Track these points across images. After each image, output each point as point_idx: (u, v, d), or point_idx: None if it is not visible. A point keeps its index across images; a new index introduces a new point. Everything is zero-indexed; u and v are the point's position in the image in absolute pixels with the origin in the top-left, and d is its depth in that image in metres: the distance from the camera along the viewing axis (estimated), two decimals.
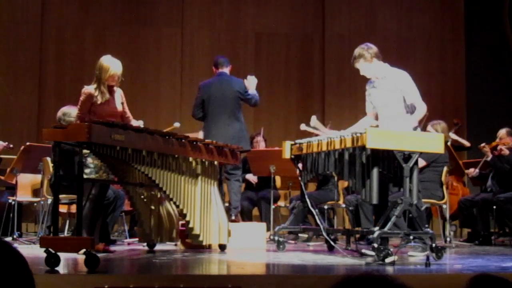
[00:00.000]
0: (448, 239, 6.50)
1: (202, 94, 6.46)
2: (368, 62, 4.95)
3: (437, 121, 6.54)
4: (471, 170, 7.12)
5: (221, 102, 6.36)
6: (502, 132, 6.88)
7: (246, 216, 7.24)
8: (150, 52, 9.39)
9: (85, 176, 4.51)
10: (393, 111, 4.96)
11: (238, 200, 6.50)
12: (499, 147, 6.69)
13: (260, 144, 7.57)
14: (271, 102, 9.36)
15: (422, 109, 4.90)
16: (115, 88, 5.08)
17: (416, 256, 4.88)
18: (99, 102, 4.92)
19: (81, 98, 4.95)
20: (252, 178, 7.50)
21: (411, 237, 4.63)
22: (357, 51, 4.98)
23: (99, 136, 3.92)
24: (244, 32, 9.62)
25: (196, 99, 6.53)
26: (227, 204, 6.39)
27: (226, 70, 6.54)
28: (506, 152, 6.63)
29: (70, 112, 5.60)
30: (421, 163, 5.68)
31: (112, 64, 4.97)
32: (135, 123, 5.19)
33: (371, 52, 4.94)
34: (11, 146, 6.75)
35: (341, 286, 1.42)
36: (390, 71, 5.02)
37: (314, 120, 5.23)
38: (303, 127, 5.42)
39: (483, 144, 6.79)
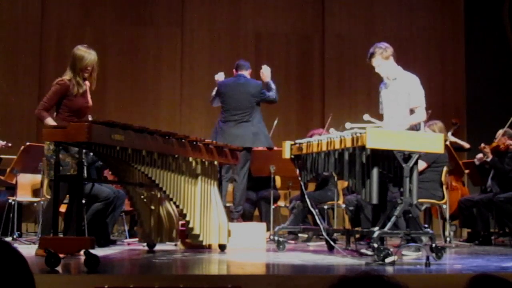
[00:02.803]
0: (448, 239, 6.50)
1: (218, 91, 6.58)
2: (385, 59, 5.05)
3: (433, 121, 6.54)
4: (480, 155, 6.95)
5: (235, 102, 6.43)
6: (500, 132, 6.87)
7: (247, 218, 7.24)
8: (150, 52, 9.39)
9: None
10: (397, 112, 5.00)
11: (241, 202, 6.49)
12: (507, 142, 6.65)
13: None
14: None
15: (419, 116, 5.00)
16: (86, 81, 4.83)
17: (410, 256, 4.88)
18: (74, 93, 4.66)
19: (54, 88, 4.65)
20: None
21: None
22: (374, 48, 5.08)
23: (99, 136, 3.92)
24: (244, 32, 9.62)
25: (213, 91, 6.63)
26: (229, 205, 6.40)
27: (246, 73, 6.62)
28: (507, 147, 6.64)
29: None
30: (422, 165, 5.69)
31: (86, 54, 4.73)
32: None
33: (388, 50, 5.07)
34: (10, 145, 6.75)
35: (338, 286, 1.42)
36: (402, 73, 5.10)
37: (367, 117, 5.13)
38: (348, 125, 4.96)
39: (483, 145, 6.78)
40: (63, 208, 6.19)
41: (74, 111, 4.68)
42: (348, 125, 4.99)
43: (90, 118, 5.06)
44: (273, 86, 6.60)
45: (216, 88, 6.66)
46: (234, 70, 6.72)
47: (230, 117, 6.41)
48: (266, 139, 6.47)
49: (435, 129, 6.37)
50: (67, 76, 4.70)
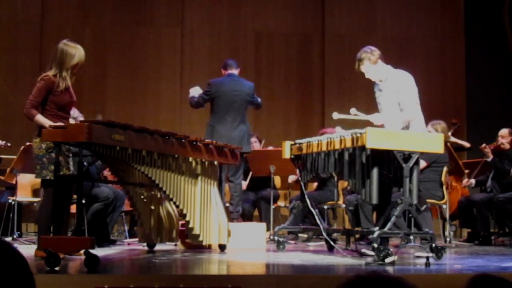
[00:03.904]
0: (448, 239, 6.50)
1: (212, 91, 6.40)
2: (373, 64, 4.96)
3: (437, 121, 6.56)
4: (465, 181, 7.14)
5: (230, 102, 6.36)
6: (505, 131, 6.89)
7: (247, 218, 7.23)
8: (150, 52, 9.39)
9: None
10: (392, 112, 4.97)
11: (240, 202, 6.49)
12: (499, 141, 6.71)
13: (254, 145, 7.54)
14: (271, 102, 9.36)
15: (407, 115, 4.88)
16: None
17: (422, 256, 4.86)
18: (60, 89, 4.53)
19: (39, 85, 4.53)
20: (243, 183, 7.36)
21: (411, 237, 4.63)
22: (361, 54, 4.98)
23: (99, 136, 3.92)
24: (244, 32, 9.62)
25: (205, 93, 6.44)
26: (228, 205, 6.39)
27: (236, 72, 6.56)
28: (507, 146, 6.67)
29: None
30: (422, 164, 5.68)
31: (78, 51, 4.65)
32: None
33: (375, 54, 4.96)
34: (9, 144, 6.74)
35: (353, 285, 1.41)
36: (393, 73, 5.03)
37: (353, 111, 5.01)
38: (335, 115, 5.06)
39: (483, 145, 6.80)
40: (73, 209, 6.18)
41: (61, 107, 4.58)
42: (335, 115, 4.98)
43: (73, 112, 5.03)
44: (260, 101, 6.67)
45: (205, 90, 6.44)
46: (222, 70, 6.62)
47: (224, 118, 6.31)
48: (248, 145, 6.43)
49: (437, 129, 6.38)
50: (52, 71, 4.58)
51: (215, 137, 6.11)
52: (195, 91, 6.54)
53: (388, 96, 5.02)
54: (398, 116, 4.93)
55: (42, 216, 4.53)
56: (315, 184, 7.36)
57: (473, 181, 7.11)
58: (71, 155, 4.61)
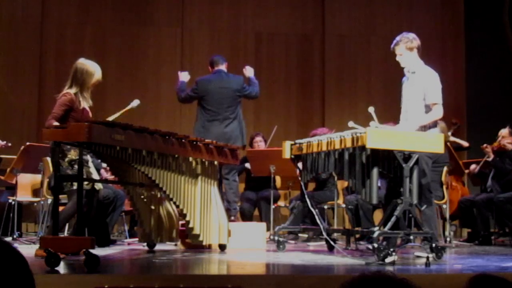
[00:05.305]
0: (448, 239, 6.50)
1: (199, 90, 6.40)
2: (409, 50, 5.06)
3: None
4: (473, 166, 7.11)
5: (218, 100, 6.33)
6: (505, 131, 6.89)
7: (247, 218, 7.23)
8: (150, 52, 9.39)
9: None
10: (413, 107, 4.97)
11: (237, 200, 6.49)
12: (502, 142, 6.70)
13: (260, 144, 7.56)
14: (271, 102, 9.36)
15: (435, 113, 4.94)
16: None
17: (423, 256, 4.86)
18: (81, 107, 4.77)
19: (61, 100, 4.73)
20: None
21: (411, 237, 4.63)
22: (401, 37, 5.13)
23: (99, 136, 3.93)
24: (244, 32, 9.61)
25: (192, 91, 6.47)
26: (226, 204, 6.40)
27: (223, 67, 6.53)
28: (510, 147, 6.67)
29: None
30: None
31: (97, 70, 4.85)
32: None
33: (414, 42, 5.10)
34: (9, 144, 6.74)
35: (358, 285, 1.40)
36: (421, 68, 5.07)
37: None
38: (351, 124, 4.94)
39: (485, 145, 6.80)
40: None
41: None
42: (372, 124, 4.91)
43: None
44: (255, 80, 6.58)
45: (193, 88, 6.47)
46: (209, 67, 6.60)
47: (215, 116, 6.29)
48: (241, 140, 6.40)
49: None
50: (73, 90, 4.78)
51: (206, 135, 5.98)
52: (185, 76, 6.57)
53: (411, 90, 5.03)
54: (422, 118, 4.89)
55: (61, 220, 4.57)
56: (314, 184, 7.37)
57: (478, 167, 7.03)
58: (89, 159, 4.69)
